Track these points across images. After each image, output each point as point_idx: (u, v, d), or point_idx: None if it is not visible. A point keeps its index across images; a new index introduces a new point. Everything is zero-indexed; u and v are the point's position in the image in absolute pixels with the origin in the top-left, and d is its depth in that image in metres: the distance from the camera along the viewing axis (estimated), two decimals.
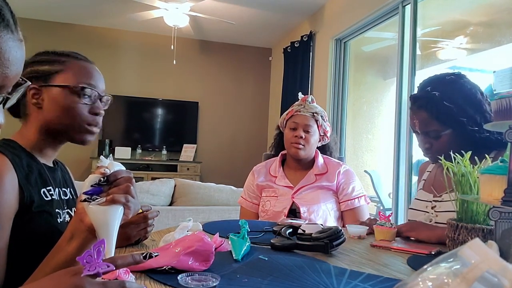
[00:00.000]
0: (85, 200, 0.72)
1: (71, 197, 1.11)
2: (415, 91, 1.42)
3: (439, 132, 1.31)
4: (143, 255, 0.63)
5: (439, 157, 1.14)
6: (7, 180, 0.88)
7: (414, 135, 1.50)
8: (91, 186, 0.73)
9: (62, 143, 1.08)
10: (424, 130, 1.35)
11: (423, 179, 1.53)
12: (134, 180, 0.78)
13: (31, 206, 0.92)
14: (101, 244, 0.58)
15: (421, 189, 1.50)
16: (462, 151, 1.06)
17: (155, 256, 0.64)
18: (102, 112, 1.06)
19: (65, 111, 1.01)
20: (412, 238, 1.33)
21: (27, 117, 1.03)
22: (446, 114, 1.29)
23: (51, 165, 1.09)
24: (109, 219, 0.71)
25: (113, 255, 0.71)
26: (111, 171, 0.76)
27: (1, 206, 0.87)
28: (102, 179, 0.74)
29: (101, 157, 0.79)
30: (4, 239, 0.86)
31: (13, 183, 0.90)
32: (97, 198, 0.72)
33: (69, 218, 1.04)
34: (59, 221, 1.00)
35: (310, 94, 4.84)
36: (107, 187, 0.75)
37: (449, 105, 1.27)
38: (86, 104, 1.03)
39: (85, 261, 0.56)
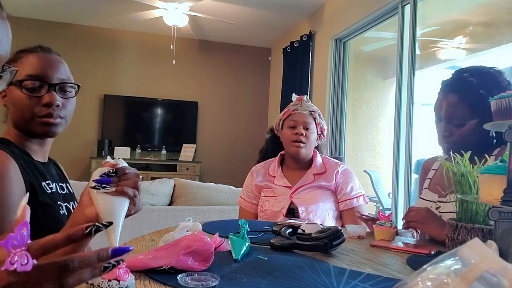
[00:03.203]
0: (94, 188, 0.71)
1: (68, 192, 1.11)
2: (448, 77, 1.35)
3: (464, 120, 1.27)
4: (87, 230, 0.50)
5: (456, 147, 1.12)
6: (12, 169, 0.89)
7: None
8: (100, 176, 0.73)
9: (41, 139, 1.06)
10: (450, 115, 1.29)
11: (428, 178, 1.49)
12: (141, 177, 0.78)
13: (34, 198, 0.92)
14: (23, 227, 0.47)
15: (426, 188, 1.47)
16: (462, 151, 1.06)
17: (104, 227, 0.52)
18: (55, 102, 1.00)
19: (16, 107, 1.00)
20: (413, 232, 1.32)
21: (7, 118, 1.06)
22: (479, 102, 1.22)
23: (45, 161, 1.09)
24: (115, 209, 0.71)
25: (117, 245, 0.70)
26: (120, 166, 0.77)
27: (13, 194, 0.87)
28: (111, 170, 0.74)
29: (108, 157, 0.79)
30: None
31: (17, 173, 0.90)
32: (106, 187, 0.72)
33: (67, 212, 1.04)
34: (62, 213, 1.00)
35: (310, 94, 4.86)
36: (116, 178, 0.75)
37: (485, 93, 1.22)
38: (33, 96, 0.99)
39: (9, 247, 0.46)
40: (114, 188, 0.72)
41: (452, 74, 1.37)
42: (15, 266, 0.45)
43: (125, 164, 0.78)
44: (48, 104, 0.99)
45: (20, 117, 1.01)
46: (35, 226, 0.89)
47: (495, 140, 1.28)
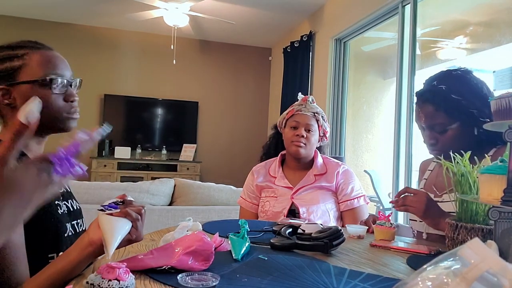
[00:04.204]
0: (101, 210, 0.82)
1: (65, 191, 1.12)
2: (420, 87, 1.39)
3: (445, 126, 1.29)
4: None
5: (446, 152, 1.13)
6: None
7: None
8: (109, 204, 0.85)
9: (45, 137, 1.07)
10: (430, 124, 1.32)
11: (424, 178, 1.51)
12: (145, 210, 0.88)
13: None
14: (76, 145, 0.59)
15: (422, 188, 1.49)
16: (462, 151, 1.06)
17: (106, 132, 0.68)
18: (77, 97, 1.06)
19: (45, 107, 0.99)
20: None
21: (3, 119, 1.02)
22: (454, 107, 1.27)
23: None
24: (116, 227, 0.80)
25: (109, 258, 0.79)
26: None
27: None
28: (119, 200, 0.86)
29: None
30: (21, 233, 0.87)
31: None
32: (111, 211, 0.84)
33: (66, 209, 1.05)
34: (60, 212, 1.00)
35: (310, 94, 4.85)
36: (122, 207, 0.85)
37: (457, 97, 1.26)
38: (59, 94, 1.02)
39: (56, 158, 0.58)
40: (119, 210, 0.83)
41: (423, 83, 1.39)
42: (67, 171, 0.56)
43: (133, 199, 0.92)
44: (72, 100, 1.04)
45: (46, 115, 0.97)
46: (32, 226, 0.89)
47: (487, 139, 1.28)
